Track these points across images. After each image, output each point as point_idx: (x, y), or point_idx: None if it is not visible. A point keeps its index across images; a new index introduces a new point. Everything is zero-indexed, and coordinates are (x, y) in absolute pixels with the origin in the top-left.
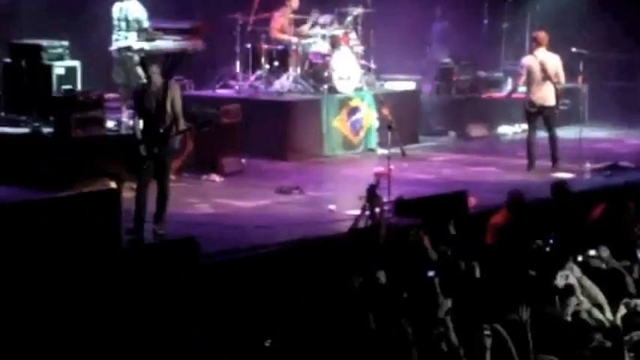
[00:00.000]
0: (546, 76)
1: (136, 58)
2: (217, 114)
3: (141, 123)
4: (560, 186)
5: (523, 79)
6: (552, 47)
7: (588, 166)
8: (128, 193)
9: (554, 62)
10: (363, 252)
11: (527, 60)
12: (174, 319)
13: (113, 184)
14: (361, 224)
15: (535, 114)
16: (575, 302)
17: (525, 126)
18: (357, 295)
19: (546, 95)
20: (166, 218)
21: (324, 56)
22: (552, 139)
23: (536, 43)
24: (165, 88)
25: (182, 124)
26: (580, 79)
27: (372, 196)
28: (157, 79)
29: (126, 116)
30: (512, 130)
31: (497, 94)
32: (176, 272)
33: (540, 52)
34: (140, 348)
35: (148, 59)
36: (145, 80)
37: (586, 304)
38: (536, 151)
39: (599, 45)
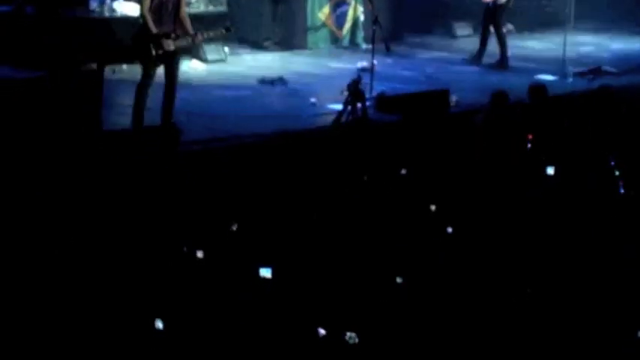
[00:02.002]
0: None
1: None
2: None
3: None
4: (537, 89)
5: None
6: None
7: (571, 69)
8: (110, 76)
9: None
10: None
11: None
12: (155, 206)
13: (95, 66)
14: (343, 119)
15: None
16: None
17: (510, 26)
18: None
19: None
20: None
21: None
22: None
23: None
24: None
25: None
26: None
27: (355, 90)
28: None
29: None
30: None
31: None
32: (157, 159)
33: None
34: (119, 233)
35: None
36: None
37: None
38: None
39: None
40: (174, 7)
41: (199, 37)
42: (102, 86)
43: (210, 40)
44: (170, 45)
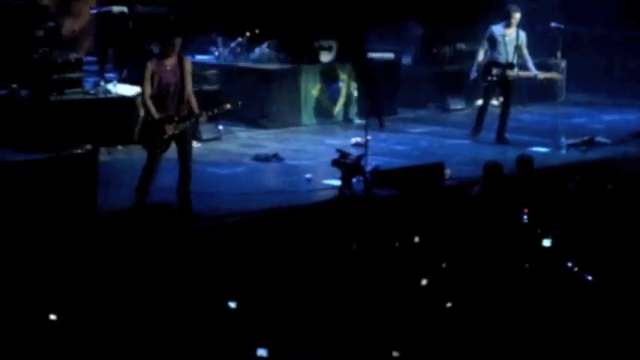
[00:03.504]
0: None
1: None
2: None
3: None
4: (523, 160)
5: None
6: (531, 21)
7: (564, 140)
8: (104, 157)
9: None
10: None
11: None
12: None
13: (89, 148)
14: (345, 192)
15: None
16: None
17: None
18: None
19: None
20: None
21: None
22: None
23: None
24: (182, 62)
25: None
26: (559, 54)
27: (355, 166)
28: (175, 53)
29: (104, 80)
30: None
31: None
32: (149, 237)
33: None
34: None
35: (172, 27)
36: (155, 51)
37: None
38: None
39: (578, 20)
40: (176, 89)
41: (204, 115)
42: (97, 168)
43: (215, 118)
44: (173, 129)
